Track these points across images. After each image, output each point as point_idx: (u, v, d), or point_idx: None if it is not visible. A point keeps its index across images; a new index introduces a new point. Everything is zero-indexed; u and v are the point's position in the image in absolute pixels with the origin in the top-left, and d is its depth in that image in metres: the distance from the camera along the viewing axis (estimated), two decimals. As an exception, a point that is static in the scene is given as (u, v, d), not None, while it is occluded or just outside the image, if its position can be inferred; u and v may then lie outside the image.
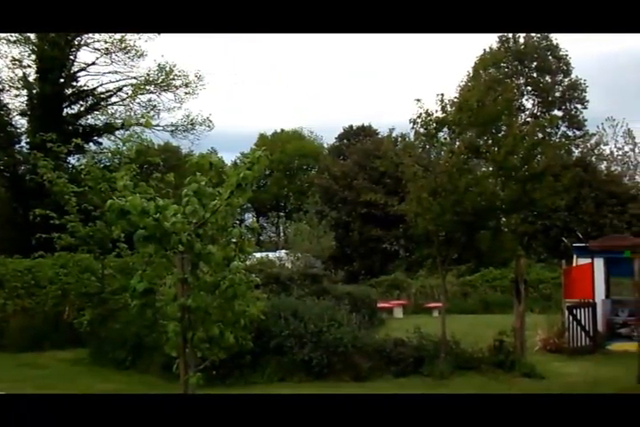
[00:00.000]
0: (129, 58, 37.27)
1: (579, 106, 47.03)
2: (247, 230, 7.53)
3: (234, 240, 7.01)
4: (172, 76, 38.31)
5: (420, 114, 14.13)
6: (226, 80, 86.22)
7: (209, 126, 40.22)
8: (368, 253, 37.92)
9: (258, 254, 25.68)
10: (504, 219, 15.49)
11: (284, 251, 31.93)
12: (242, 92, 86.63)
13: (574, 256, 19.74)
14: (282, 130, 63.50)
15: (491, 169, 14.70)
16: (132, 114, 37.66)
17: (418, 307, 27.39)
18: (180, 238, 6.33)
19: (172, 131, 39.95)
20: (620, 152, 47.39)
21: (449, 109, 14.21)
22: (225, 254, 6.75)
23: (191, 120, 39.91)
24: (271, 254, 29.84)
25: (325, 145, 61.29)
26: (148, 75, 37.77)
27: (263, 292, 14.42)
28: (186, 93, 39.13)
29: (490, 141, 14.57)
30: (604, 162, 44.98)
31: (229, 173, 6.83)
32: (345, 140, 49.19)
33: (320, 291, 18.87)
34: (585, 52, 70.83)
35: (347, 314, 15.11)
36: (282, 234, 56.77)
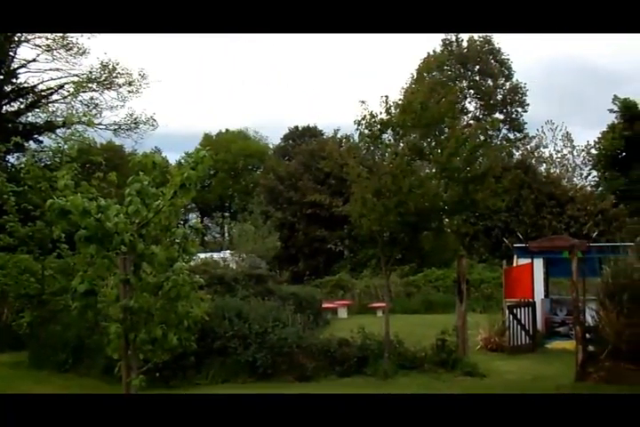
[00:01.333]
0: (71, 55, 36.67)
1: (519, 109, 48.05)
2: (191, 231, 7.48)
3: (177, 241, 6.96)
4: (115, 74, 37.80)
5: (365, 115, 14.22)
6: (172, 79, 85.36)
7: (153, 125, 39.83)
8: (313, 253, 37.99)
9: (202, 255, 25.48)
10: (447, 220, 15.69)
11: (228, 251, 31.76)
12: (187, 92, 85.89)
13: (514, 256, 20.14)
14: (227, 130, 63.17)
15: (434, 171, 14.87)
16: (74, 112, 36.98)
17: (362, 307, 27.51)
18: (123, 239, 6.26)
19: (114, 129, 39.43)
20: (559, 155, 48.60)
21: (393, 111, 14.33)
22: (168, 255, 6.70)
23: (135, 119, 39.44)
24: (216, 255, 29.63)
25: (271, 145, 61.29)
26: (90, 72, 37.25)
27: (207, 293, 14.30)
28: (129, 92, 38.70)
29: (433, 143, 14.74)
30: (544, 164, 46.01)
31: (173, 172, 6.78)
32: (290, 141, 49.26)
33: (265, 291, 18.85)
34: (525, 56, 72.39)
35: (291, 314, 15.15)
36: (226, 234, 56.50)
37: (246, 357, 13.51)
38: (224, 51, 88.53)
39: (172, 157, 65.35)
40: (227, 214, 62.96)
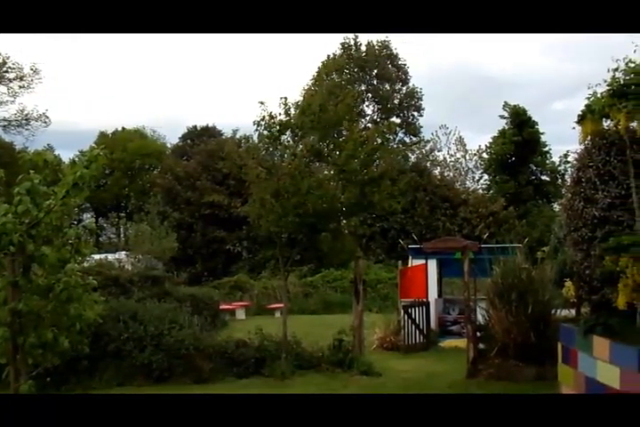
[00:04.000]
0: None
1: (415, 113, 49.11)
2: (85, 231, 7.30)
3: (70, 241, 6.77)
4: (4, 69, 36.33)
5: (264, 116, 14.23)
6: (67, 76, 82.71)
7: (45, 122, 38.52)
8: (211, 254, 37.66)
9: (96, 256, 24.80)
10: (344, 221, 15.90)
11: (124, 252, 31.03)
12: (83, 89, 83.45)
13: (409, 257, 20.60)
14: (123, 128, 61.66)
15: (332, 172, 15.04)
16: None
17: (260, 308, 27.53)
18: (11, 239, 6.04)
19: (4, 126, 37.98)
20: (453, 158, 50.16)
21: (292, 113, 14.40)
22: (60, 256, 6.51)
23: (26, 115, 38.08)
24: (110, 256, 28.89)
25: (169, 145, 60.24)
26: (-23, 66, 35.68)
27: (101, 295, 13.95)
28: (20, 87, 37.27)
29: (331, 145, 14.91)
30: (438, 167, 47.35)
31: (66, 171, 6.59)
32: (188, 141, 48.62)
33: (161, 293, 18.56)
34: (421, 62, 74.18)
35: (189, 316, 14.99)
36: (122, 235, 55.18)
37: (142, 360, 13.30)
38: (122, 49, 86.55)
39: (66, 156, 63.29)
40: (122, 215, 61.32)
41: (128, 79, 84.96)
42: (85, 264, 12.96)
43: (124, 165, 57.46)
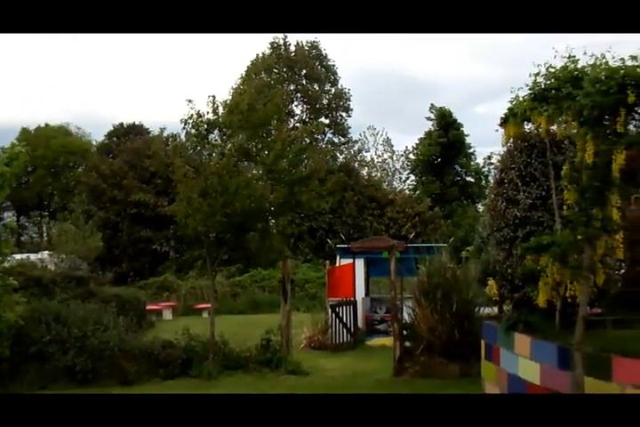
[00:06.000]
0: None
1: (344, 114, 49.46)
2: (5, 230, 7.12)
3: (-10, 241, 6.59)
4: None
5: (192, 115, 14.10)
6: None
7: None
8: (137, 254, 37.04)
9: (18, 256, 24.13)
10: (272, 220, 15.89)
11: (46, 252, 30.25)
12: (5, 84, 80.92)
13: (337, 257, 20.75)
14: (47, 125, 60.08)
15: (260, 172, 15.02)
16: None
17: (188, 308, 27.27)
18: None
19: None
20: (380, 159, 50.81)
21: (221, 112, 14.31)
22: (-21, 256, 6.33)
23: (-58, 110, 36.69)
24: (33, 256, 28.12)
25: (94, 142, 58.94)
26: None
27: (23, 296, 13.65)
28: None
29: (260, 145, 14.88)
30: (366, 168, 47.83)
31: (-15, 169, 6.41)
32: (115, 138, 47.68)
33: (86, 294, 18.21)
34: (350, 63, 74.77)
35: (114, 317, 14.75)
36: (45, 234, 53.84)
37: (65, 362, 13.02)
38: (46, 44, 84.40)
39: (-15, 153, 61.23)
40: (45, 213, 59.98)
41: (53, 75, 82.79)
42: (6, 264, 12.59)
43: (48, 162, 56.06)
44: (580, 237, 7.81)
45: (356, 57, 73.34)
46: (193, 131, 14.27)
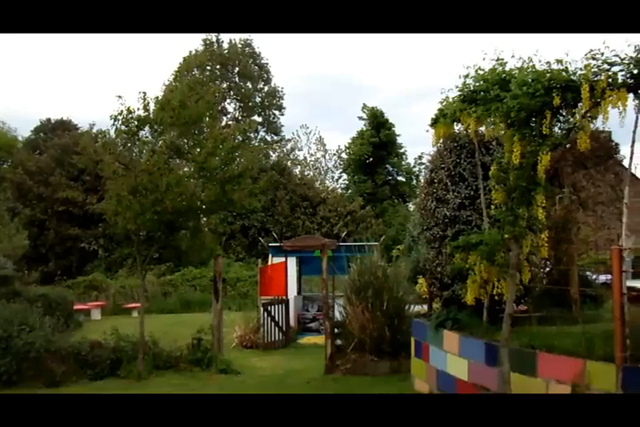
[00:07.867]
0: None
1: (277, 112, 49.47)
2: None
3: None
4: None
5: (122, 111, 13.85)
6: None
7: None
8: (65, 252, 36.21)
9: (-63, 255, 23.34)
10: (204, 219, 15.78)
11: (-31, 251, 29.38)
12: None
13: (270, 255, 20.74)
14: (-31, 119, 58.26)
15: (192, 170, 14.87)
16: None
17: (117, 308, 26.85)
18: None
19: None
20: (313, 158, 50.92)
21: (152, 108, 14.11)
22: None
23: None
24: (-46, 255, 27.29)
25: (20, 138, 57.35)
26: None
27: (-57, 296, 13.26)
28: None
29: (192, 142, 14.73)
30: (299, 166, 47.90)
31: None
32: (41, 134, 46.46)
33: (10, 293, 17.76)
34: (284, 61, 74.72)
35: (40, 317, 14.38)
36: (-33, 233, 52.11)
37: (-11, 363, 12.65)
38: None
39: None
40: (-32, 211, 58.13)
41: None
42: None
43: (-30, 158, 54.35)
44: (506, 235, 7.98)
45: (294, 57, 73.42)
46: (123, 127, 14.02)
